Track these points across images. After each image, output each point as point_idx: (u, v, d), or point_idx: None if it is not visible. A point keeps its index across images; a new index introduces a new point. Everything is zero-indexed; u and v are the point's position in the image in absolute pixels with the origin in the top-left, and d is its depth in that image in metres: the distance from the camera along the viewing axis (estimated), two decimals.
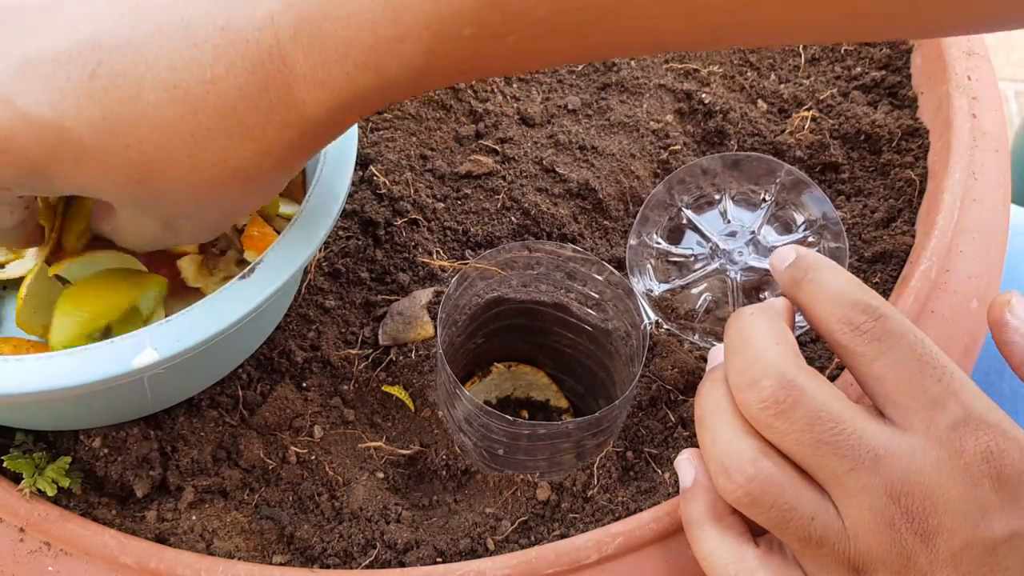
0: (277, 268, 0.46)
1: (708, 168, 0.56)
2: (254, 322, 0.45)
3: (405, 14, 0.35)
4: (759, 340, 0.39)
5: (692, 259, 0.57)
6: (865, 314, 0.38)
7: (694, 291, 0.56)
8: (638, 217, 0.54)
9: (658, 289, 0.56)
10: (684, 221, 0.56)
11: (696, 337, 0.54)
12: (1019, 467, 0.36)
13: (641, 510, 0.47)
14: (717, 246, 0.57)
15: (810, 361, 0.54)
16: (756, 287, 0.56)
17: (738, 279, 0.56)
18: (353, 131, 0.52)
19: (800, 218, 0.58)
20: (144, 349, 0.43)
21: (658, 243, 0.55)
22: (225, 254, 0.53)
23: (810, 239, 0.57)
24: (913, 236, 0.57)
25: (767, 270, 0.56)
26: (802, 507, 0.37)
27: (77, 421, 0.49)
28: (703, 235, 0.58)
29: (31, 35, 0.37)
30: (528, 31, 0.36)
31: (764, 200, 0.58)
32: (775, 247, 0.57)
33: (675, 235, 0.56)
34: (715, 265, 0.56)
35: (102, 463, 0.49)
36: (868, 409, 0.38)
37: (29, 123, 0.36)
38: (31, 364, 0.42)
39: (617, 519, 0.48)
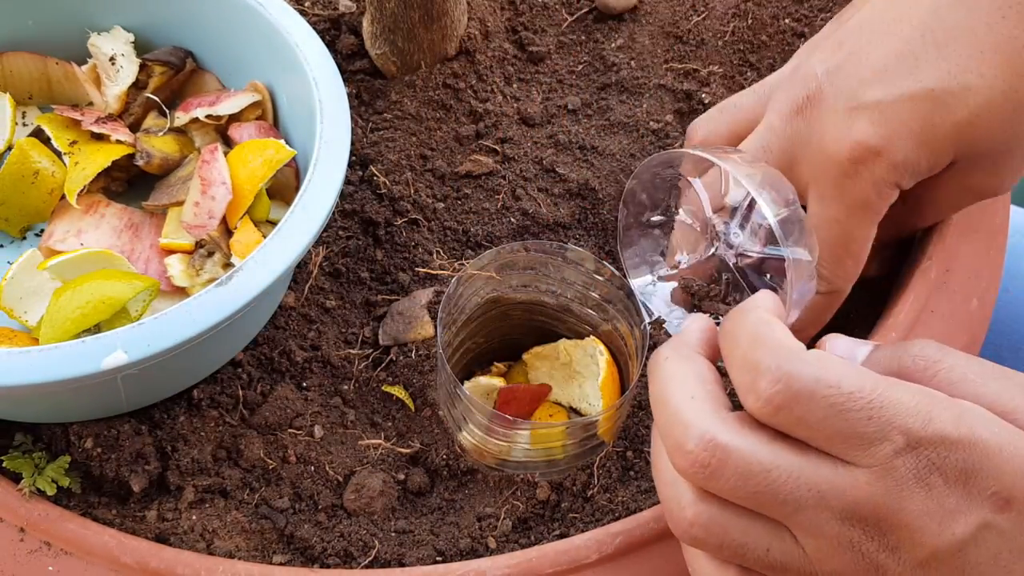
0: (255, 277, 0.46)
1: (684, 158, 0.55)
2: (232, 327, 0.46)
3: None
4: (674, 396, 0.37)
5: (686, 231, 0.55)
6: (765, 379, 0.35)
7: (689, 278, 0.55)
8: (623, 196, 0.54)
9: (655, 276, 0.55)
10: (673, 204, 0.55)
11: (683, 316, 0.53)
12: (963, 465, 0.34)
13: (641, 510, 0.47)
14: (711, 226, 0.56)
15: None
16: (753, 270, 0.55)
17: (733, 263, 0.55)
18: (346, 137, 0.52)
19: (790, 195, 0.57)
20: (115, 351, 0.43)
21: (650, 219, 0.54)
22: (213, 256, 0.53)
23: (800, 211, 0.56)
24: (913, 235, 0.57)
25: (762, 253, 0.55)
26: (753, 541, 0.36)
27: (51, 414, 0.50)
28: (694, 215, 0.57)
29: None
30: None
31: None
32: (769, 226, 0.56)
33: (666, 212, 0.55)
34: (711, 251, 0.56)
35: (97, 462, 0.49)
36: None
37: (906, 102, 0.45)
38: (1, 358, 0.43)
39: (617, 519, 0.48)
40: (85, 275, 0.50)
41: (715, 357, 0.40)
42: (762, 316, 0.38)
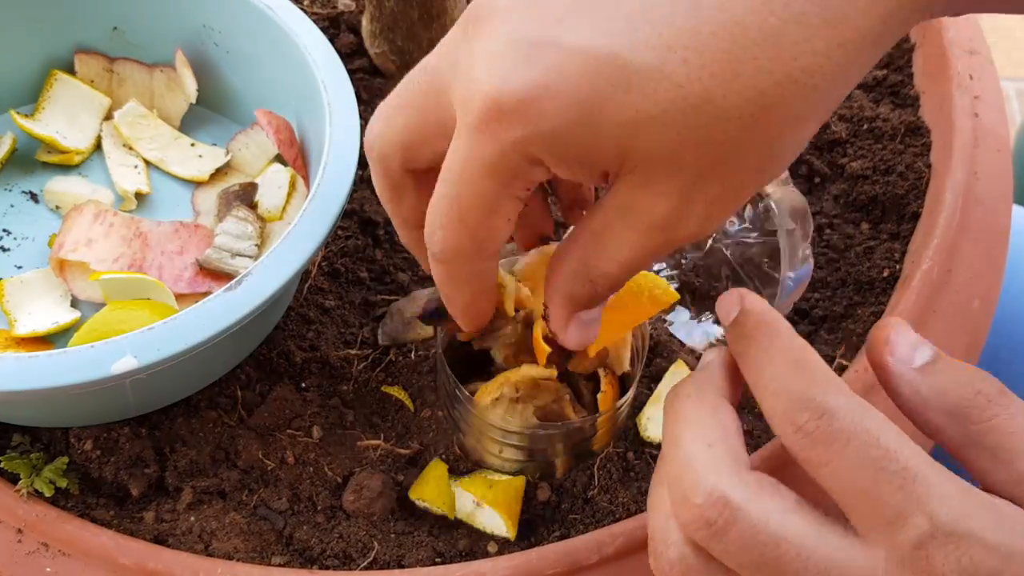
0: (265, 281, 0.46)
1: None
2: (241, 331, 0.46)
3: None
4: (690, 441, 0.34)
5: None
6: (808, 412, 0.33)
7: (688, 272, 0.55)
8: None
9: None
10: None
11: (688, 318, 0.53)
12: None
13: (642, 511, 0.47)
14: None
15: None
16: (749, 260, 0.55)
17: (730, 254, 0.55)
18: (355, 139, 0.51)
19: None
20: (124, 355, 0.43)
21: None
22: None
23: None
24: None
25: (760, 241, 0.55)
26: None
27: (59, 419, 0.50)
28: None
29: None
30: None
31: None
32: (765, 209, 0.56)
33: None
34: (708, 243, 0.55)
35: (96, 465, 0.49)
36: (827, 512, 0.33)
37: (580, 57, 0.32)
38: (10, 363, 0.43)
39: (618, 520, 0.48)
40: (137, 301, 0.50)
41: (738, 393, 0.37)
42: (796, 340, 0.35)
